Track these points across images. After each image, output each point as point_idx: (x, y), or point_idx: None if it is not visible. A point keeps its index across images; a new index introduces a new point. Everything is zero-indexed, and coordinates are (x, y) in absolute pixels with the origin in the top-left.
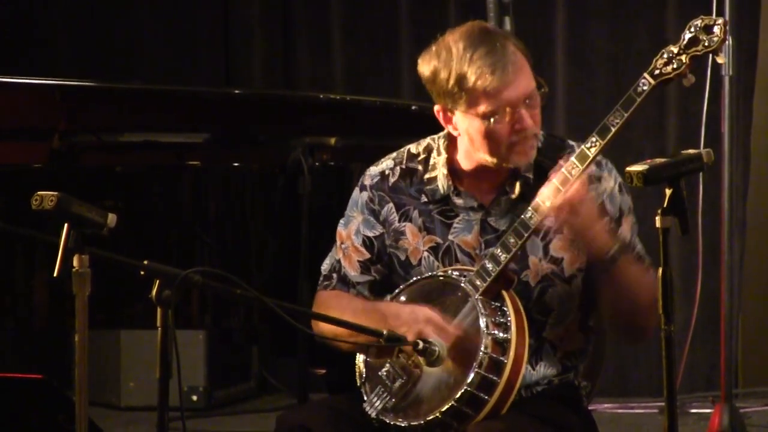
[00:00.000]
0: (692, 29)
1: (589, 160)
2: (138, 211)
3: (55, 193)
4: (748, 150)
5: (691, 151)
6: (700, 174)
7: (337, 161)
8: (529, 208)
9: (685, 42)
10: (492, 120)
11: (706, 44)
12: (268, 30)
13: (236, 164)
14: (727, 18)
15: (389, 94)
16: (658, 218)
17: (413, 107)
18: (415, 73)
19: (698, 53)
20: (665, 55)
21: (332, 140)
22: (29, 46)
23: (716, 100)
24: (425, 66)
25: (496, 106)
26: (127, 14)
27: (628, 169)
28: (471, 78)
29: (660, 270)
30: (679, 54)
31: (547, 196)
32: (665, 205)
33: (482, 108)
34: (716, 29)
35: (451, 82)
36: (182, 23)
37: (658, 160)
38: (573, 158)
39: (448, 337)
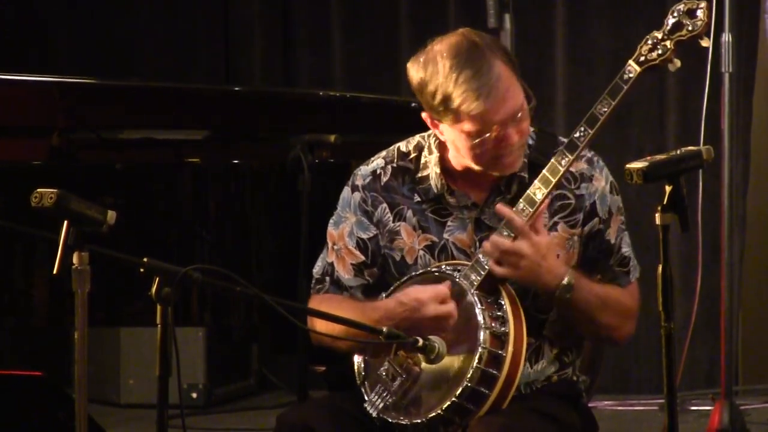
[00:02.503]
0: (675, 14)
1: (578, 150)
2: (138, 208)
3: (55, 190)
4: (748, 147)
5: (690, 148)
6: (700, 171)
7: (337, 158)
8: (521, 200)
9: (669, 27)
10: (477, 140)
11: (690, 28)
12: (268, 27)
13: (236, 162)
14: (727, 14)
15: (389, 92)
16: (658, 215)
17: (413, 104)
18: None
19: (683, 38)
20: (650, 42)
21: (332, 138)
22: (29, 44)
23: (716, 97)
24: (413, 73)
25: (481, 127)
26: (127, 12)
27: (628, 166)
28: (456, 100)
29: (660, 267)
30: (663, 40)
31: (539, 186)
32: (665, 202)
33: (467, 127)
34: (699, 13)
35: (437, 99)
36: (182, 21)
37: (658, 157)
38: (562, 148)
39: (448, 300)
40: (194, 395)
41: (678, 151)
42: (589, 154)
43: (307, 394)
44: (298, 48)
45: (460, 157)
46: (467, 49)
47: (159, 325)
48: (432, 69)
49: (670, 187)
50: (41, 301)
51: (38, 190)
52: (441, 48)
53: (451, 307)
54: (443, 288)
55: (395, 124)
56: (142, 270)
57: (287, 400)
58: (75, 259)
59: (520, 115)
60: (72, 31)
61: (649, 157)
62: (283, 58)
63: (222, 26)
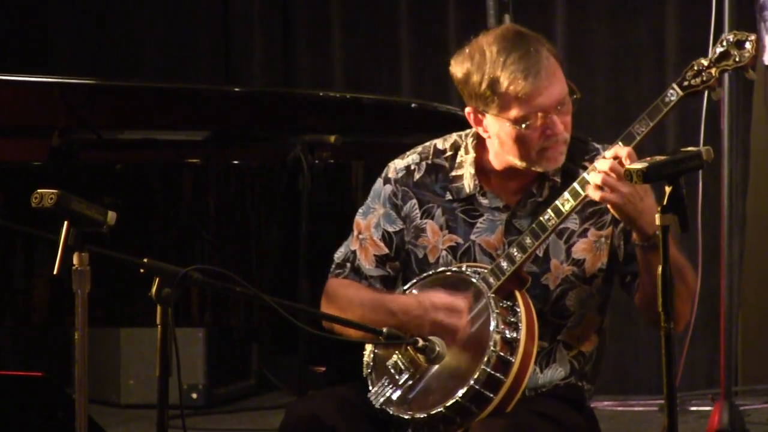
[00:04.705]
0: (724, 43)
1: None
2: (138, 208)
3: (55, 191)
4: (747, 147)
5: (690, 148)
6: (700, 171)
7: (337, 159)
8: (548, 210)
9: (716, 56)
10: (524, 126)
11: (737, 59)
12: (268, 27)
13: (236, 162)
14: (727, 15)
15: (389, 92)
16: (657, 216)
17: (413, 105)
18: (414, 71)
19: (728, 68)
20: (695, 67)
21: (332, 138)
22: (30, 44)
23: None
24: (458, 68)
25: (528, 111)
26: (127, 12)
27: (627, 166)
28: (504, 83)
29: (660, 268)
30: (709, 67)
31: (567, 198)
32: (665, 202)
33: (514, 113)
34: (748, 45)
35: (484, 85)
36: (182, 21)
37: (658, 158)
38: (596, 164)
39: (461, 315)
40: (194, 395)
41: (678, 152)
42: (604, 151)
43: (307, 393)
44: (298, 48)
45: (504, 155)
46: (514, 36)
47: (159, 326)
48: (479, 58)
49: (670, 188)
50: (41, 301)
51: (38, 190)
52: (486, 39)
53: (460, 321)
54: (462, 303)
55: (395, 124)
56: (142, 270)
57: (287, 400)
58: (75, 259)
59: (562, 107)
60: (72, 31)
61: (648, 158)
62: (283, 58)
63: (222, 26)
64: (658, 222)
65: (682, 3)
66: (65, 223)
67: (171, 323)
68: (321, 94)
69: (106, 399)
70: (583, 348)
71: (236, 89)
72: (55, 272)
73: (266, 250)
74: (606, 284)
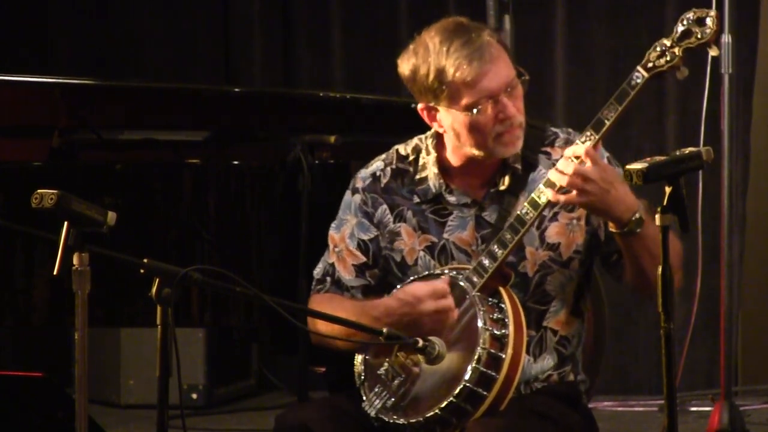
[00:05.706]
0: (685, 22)
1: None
2: (138, 208)
3: (55, 191)
4: (747, 147)
5: (690, 149)
6: (700, 172)
7: (337, 159)
8: (525, 203)
9: (678, 34)
10: (475, 111)
11: (699, 36)
12: (268, 28)
13: (236, 162)
14: (727, 15)
15: (389, 92)
16: (657, 216)
17: (413, 105)
18: None
19: (691, 45)
20: (658, 48)
21: (332, 138)
22: (30, 44)
23: (716, 98)
24: (404, 65)
25: (478, 96)
26: (127, 12)
27: (627, 167)
28: (450, 71)
29: (660, 268)
30: (672, 47)
31: (543, 190)
32: (665, 203)
33: (464, 100)
34: (709, 21)
35: (431, 77)
36: (182, 21)
37: (658, 158)
38: (558, 165)
39: (447, 295)
40: (194, 396)
41: (678, 152)
42: (563, 135)
43: (307, 394)
44: (298, 48)
45: (461, 147)
46: (454, 26)
47: (159, 326)
48: (423, 52)
49: (670, 188)
50: (41, 301)
51: (38, 190)
52: (428, 33)
53: (449, 301)
54: (441, 284)
55: (395, 124)
56: (142, 270)
57: (287, 400)
58: (75, 259)
59: (511, 90)
60: (72, 31)
61: (648, 158)
62: (283, 58)
63: (222, 26)
64: (658, 222)
65: (682, 3)
66: (65, 223)
67: (171, 323)
68: (321, 94)
69: (106, 399)
70: (566, 332)
71: (236, 89)
72: (55, 272)
73: (266, 250)
74: (583, 266)
